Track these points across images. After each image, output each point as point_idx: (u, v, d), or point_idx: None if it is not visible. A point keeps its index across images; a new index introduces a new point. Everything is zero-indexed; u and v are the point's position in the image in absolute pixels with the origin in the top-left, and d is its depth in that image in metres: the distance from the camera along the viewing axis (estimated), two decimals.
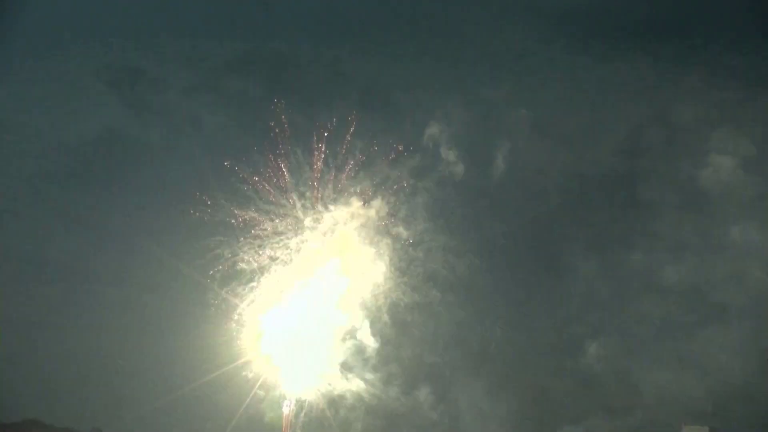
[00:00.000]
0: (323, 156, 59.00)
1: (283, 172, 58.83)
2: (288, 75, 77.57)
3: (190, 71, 79.71)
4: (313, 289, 59.61)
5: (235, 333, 59.20)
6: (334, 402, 59.58)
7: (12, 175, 73.33)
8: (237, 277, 58.39)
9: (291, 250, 59.22)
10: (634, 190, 68.77)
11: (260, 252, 58.66)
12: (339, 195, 59.79)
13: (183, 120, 77.75)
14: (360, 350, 60.35)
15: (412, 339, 62.30)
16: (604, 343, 64.88)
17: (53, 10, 77.80)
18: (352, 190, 59.67)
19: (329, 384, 59.55)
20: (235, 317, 58.64)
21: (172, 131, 77.39)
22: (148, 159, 75.30)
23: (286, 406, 58.75)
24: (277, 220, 59.11)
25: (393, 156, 60.14)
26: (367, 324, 60.26)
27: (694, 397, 61.80)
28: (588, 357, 64.68)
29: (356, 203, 59.63)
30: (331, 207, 59.55)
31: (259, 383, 58.95)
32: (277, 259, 59.15)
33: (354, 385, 59.67)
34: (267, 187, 58.67)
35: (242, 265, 58.41)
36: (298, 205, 59.19)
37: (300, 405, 59.44)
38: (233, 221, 58.39)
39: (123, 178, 74.84)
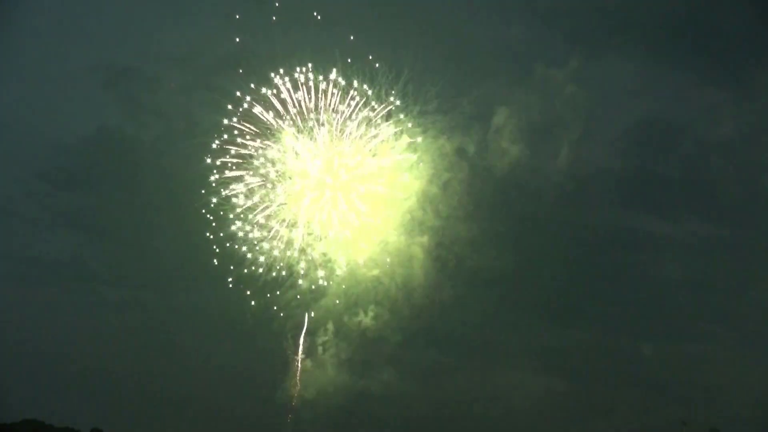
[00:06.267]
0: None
1: None
2: None
3: (184, 70, 79.77)
4: None
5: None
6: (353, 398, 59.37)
7: (8, 174, 72.85)
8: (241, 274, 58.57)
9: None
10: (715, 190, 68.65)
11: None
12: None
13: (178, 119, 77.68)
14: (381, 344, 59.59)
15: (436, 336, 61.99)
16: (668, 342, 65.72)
17: (47, 9, 77.27)
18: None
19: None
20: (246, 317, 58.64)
21: (167, 130, 77.35)
22: (143, 158, 75.28)
23: None
24: None
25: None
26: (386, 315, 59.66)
27: None
28: (643, 357, 65.95)
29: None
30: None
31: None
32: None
33: (374, 380, 59.48)
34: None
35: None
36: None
37: None
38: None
39: (118, 176, 74.91)
